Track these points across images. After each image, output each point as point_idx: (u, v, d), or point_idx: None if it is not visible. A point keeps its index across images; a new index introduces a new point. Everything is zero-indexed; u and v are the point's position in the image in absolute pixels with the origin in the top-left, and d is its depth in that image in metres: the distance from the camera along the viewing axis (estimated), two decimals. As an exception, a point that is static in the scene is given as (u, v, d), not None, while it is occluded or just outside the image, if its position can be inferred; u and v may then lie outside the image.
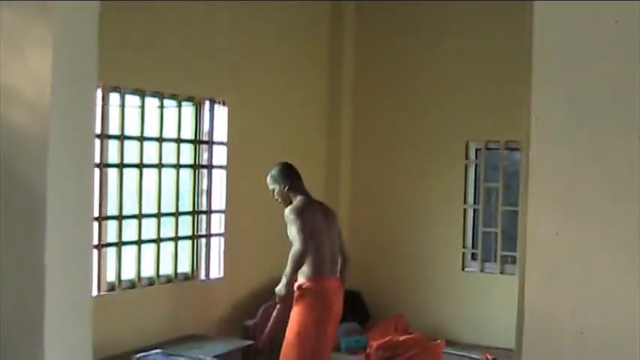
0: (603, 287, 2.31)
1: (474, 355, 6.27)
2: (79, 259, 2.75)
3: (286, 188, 5.61)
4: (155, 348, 5.42)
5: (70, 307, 2.64)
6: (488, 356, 6.03)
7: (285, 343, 5.49)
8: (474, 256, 7.30)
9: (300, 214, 5.49)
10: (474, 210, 7.32)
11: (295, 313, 5.49)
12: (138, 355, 5.27)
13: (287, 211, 5.49)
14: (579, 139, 2.37)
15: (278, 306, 5.55)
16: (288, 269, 5.43)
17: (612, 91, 2.36)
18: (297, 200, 5.61)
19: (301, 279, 5.46)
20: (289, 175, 5.65)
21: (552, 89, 2.43)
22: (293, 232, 5.43)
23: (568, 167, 2.38)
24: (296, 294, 5.48)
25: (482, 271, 7.18)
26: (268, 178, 5.64)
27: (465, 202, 7.31)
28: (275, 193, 5.63)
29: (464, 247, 7.32)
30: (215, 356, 5.56)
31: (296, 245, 5.40)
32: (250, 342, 5.99)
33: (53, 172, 2.61)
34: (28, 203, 2.66)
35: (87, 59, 2.79)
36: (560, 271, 2.35)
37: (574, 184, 2.36)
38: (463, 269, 7.31)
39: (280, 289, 5.44)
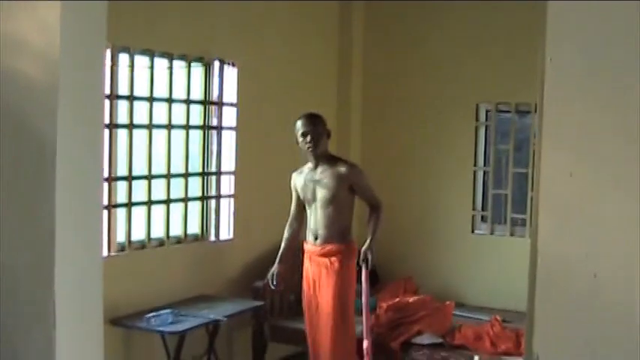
0: (617, 230, 2.28)
1: (483, 317, 6.28)
2: (89, 217, 2.75)
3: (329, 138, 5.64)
4: (166, 308, 5.43)
5: (80, 266, 2.64)
6: (498, 318, 6.04)
7: (334, 318, 5.45)
8: (483, 219, 7.29)
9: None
10: (484, 172, 7.30)
11: (342, 279, 5.48)
12: (149, 315, 5.29)
13: (351, 167, 5.53)
14: (593, 80, 2.33)
15: (364, 269, 5.52)
16: (378, 229, 5.55)
17: (626, 35, 2.31)
18: (340, 157, 5.67)
19: (345, 241, 5.53)
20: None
21: (567, 31, 2.38)
22: (362, 190, 5.55)
23: (582, 109, 2.34)
24: (337, 258, 5.49)
25: (492, 233, 7.18)
26: (310, 121, 5.52)
27: (475, 165, 7.29)
28: (312, 139, 5.48)
29: (474, 209, 7.30)
30: (225, 316, 5.58)
31: (374, 197, 5.60)
32: (260, 303, 6.01)
33: (63, 124, 2.60)
34: (38, 155, 2.65)
35: (96, 12, 2.77)
36: (573, 214, 2.33)
37: (588, 126, 2.33)
38: (473, 231, 7.31)
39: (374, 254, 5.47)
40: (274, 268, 5.68)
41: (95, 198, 2.83)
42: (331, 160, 5.60)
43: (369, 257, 5.46)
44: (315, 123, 5.54)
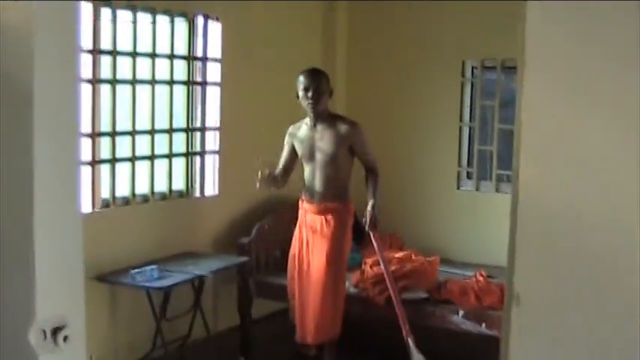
0: (601, 169, 2.26)
1: (468, 273, 6.29)
2: (67, 173, 2.70)
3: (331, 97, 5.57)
4: (151, 264, 5.42)
5: (60, 222, 2.59)
6: (483, 273, 6.05)
7: (326, 277, 5.44)
8: (469, 175, 7.30)
9: None
10: (470, 129, 7.29)
11: (338, 237, 5.50)
12: (133, 271, 5.28)
13: (352, 126, 5.45)
14: (578, 17, 2.30)
15: (373, 234, 5.52)
16: (378, 193, 5.54)
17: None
18: (341, 116, 5.64)
19: (343, 200, 5.55)
20: None
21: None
22: (362, 151, 5.50)
23: (566, 49, 2.31)
24: (334, 217, 5.49)
25: (477, 189, 7.18)
26: (313, 77, 5.42)
27: (460, 121, 7.27)
28: (313, 95, 5.38)
29: (459, 165, 7.30)
30: (210, 272, 5.58)
31: (372, 161, 5.58)
32: (245, 258, 6.01)
33: (40, 75, 2.54)
34: (15, 108, 2.60)
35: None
36: (556, 153, 2.30)
37: (572, 63, 2.29)
38: (458, 188, 7.31)
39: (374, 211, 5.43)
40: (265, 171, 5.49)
41: (73, 150, 2.77)
42: (331, 118, 5.53)
43: (376, 221, 5.47)
44: (318, 79, 5.45)
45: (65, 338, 2.49)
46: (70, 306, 2.59)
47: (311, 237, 5.54)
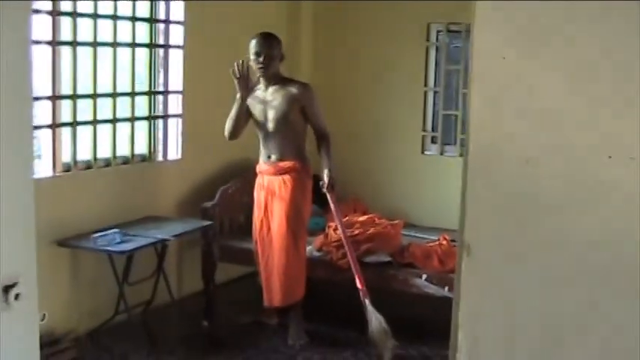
0: (549, 114, 2.27)
1: (432, 237, 6.31)
2: (19, 136, 2.66)
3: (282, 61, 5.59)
4: (113, 229, 5.38)
5: (12, 185, 2.56)
6: (446, 236, 6.07)
7: (288, 239, 5.54)
8: (433, 140, 7.30)
9: None
10: (435, 93, 7.28)
11: (297, 198, 5.56)
12: (95, 235, 5.24)
13: (303, 88, 5.53)
14: None
15: (330, 196, 5.59)
16: (331, 155, 5.61)
17: None
18: (292, 78, 5.68)
19: (300, 159, 5.61)
20: None
21: None
22: (313, 113, 5.56)
23: None
24: (292, 177, 5.57)
25: (441, 154, 7.20)
26: (264, 42, 5.46)
27: (425, 85, 7.26)
28: (264, 60, 5.43)
29: (424, 130, 7.31)
30: (174, 236, 5.55)
31: (323, 126, 5.64)
32: (209, 222, 5.98)
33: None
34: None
35: None
36: (506, 97, 2.31)
37: (522, 7, 2.29)
38: (423, 152, 7.32)
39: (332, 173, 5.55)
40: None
41: (25, 115, 2.72)
42: (283, 80, 5.59)
43: (334, 183, 5.56)
44: (269, 44, 5.48)
45: (17, 296, 2.47)
46: (22, 266, 2.57)
47: (270, 200, 5.60)
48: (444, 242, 5.98)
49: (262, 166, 5.68)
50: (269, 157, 5.62)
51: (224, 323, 6.15)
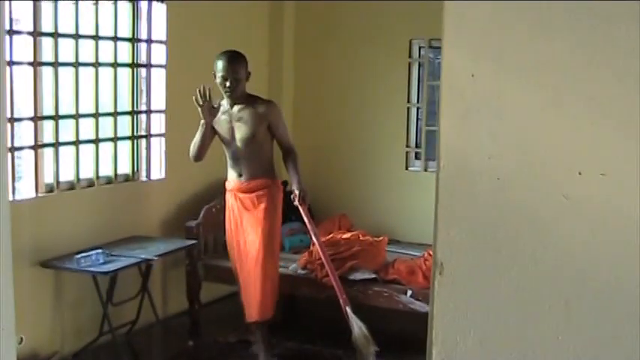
0: (520, 131, 2.27)
1: (417, 253, 6.31)
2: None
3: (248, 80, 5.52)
4: (96, 249, 5.37)
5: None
6: (431, 252, 6.07)
7: (264, 253, 5.52)
8: (417, 155, 7.31)
9: None
10: (418, 109, 7.30)
11: (270, 214, 5.56)
12: (78, 256, 5.22)
13: (268, 106, 5.50)
14: None
15: (302, 208, 5.60)
16: (299, 169, 5.60)
17: None
18: (257, 96, 5.58)
19: (270, 176, 5.62)
20: None
21: None
22: (280, 130, 5.55)
23: (484, 9, 2.31)
24: (264, 193, 5.55)
25: (425, 170, 7.19)
26: (230, 65, 5.37)
27: (408, 101, 7.28)
28: (231, 84, 5.37)
29: (407, 146, 7.32)
30: (157, 255, 5.54)
31: (289, 141, 5.65)
32: (193, 242, 5.97)
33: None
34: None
35: None
36: (476, 115, 2.30)
37: (491, 25, 2.30)
38: (407, 168, 7.33)
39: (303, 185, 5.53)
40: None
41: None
42: (248, 99, 5.53)
43: (305, 195, 5.55)
44: (235, 69, 5.41)
45: (-7, 319, 2.45)
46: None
47: (243, 217, 5.60)
48: (429, 258, 5.97)
49: (232, 184, 5.65)
50: (240, 175, 5.60)
51: (210, 343, 6.12)
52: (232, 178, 5.64)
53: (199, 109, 5.41)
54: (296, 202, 5.55)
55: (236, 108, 5.50)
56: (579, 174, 2.19)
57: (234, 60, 5.44)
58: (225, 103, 5.53)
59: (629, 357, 2.18)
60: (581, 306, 2.22)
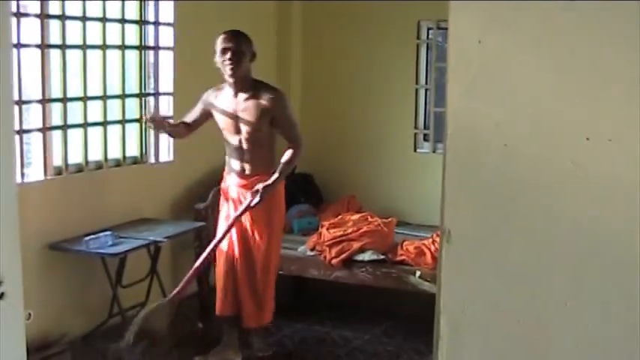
0: (528, 98, 2.26)
1: (425, 235, 6.31)
2: (1, 142, 2.65)
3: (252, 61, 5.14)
4: (105, 231, 5.38)
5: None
6: (439, 233, 6.07)
7: (264, 253, 5.27)
8: (426, 137, 7.30)
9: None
10: (426, 91, 7.28)
11: (273, 211, 5.26)
12: (87, 237, 5.23)
13: (274, 97, 5.07)
14: None
15: (245, 206, 5.11)
16: (288, 167, 5.17)
17: None
18: (263, 82, 5.18)
19: (268, 174, 5.17)
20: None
21: None
22: (282, 123, 5.13)
23: None
24: (264, 193, 5.08)
25: (434, 151, 7.18)
26: (233, 37, 5.05)
27: (416, 83, 7.26)
28: (232, 57, 4.99)
29: (416, 128, 7.30)
30: (166, 237, 5.54)
31: (294, 134, 5.18)
32: (202, 224, 5.97)
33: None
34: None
35: None
36: (483, 82, 2.29)
37: None
38: (415, 150, 7.32)
39: (270, 188, 5.06)
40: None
41: (7, 120, 2.72)
42: (253, 86, 5.15)
43: (260, 193, 5.05)
44: (238, 40, 5.05)
45: (2, 295, 2.47)
46: (7, 266, 2.58)
47: (246, 214, 5.21)
48: (437, 239, 5.97)
49: (233, 178, 5.33)
50: (242, 170, 5.27)
51: (219, 324, 6.14)
52: (234, 172, 5.32)
53: (153, 129, 5.37)
54: (252, 204, 5.09)
55: (241, 97, 5.15)
56: (587, 140, 2.18)
57: (237, 33, 5.12)
58: (228, 90, 5.21)
59: (637, 322, 2.17)
60: (590, 272, 2.22)
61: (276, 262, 5.44)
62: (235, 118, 5.18)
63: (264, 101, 5.08)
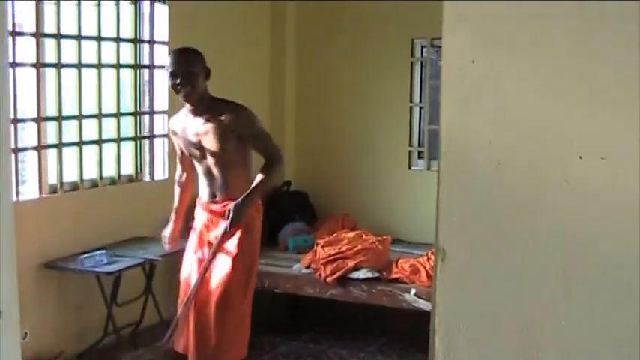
0: (521, 116, 2.28)
1: (420, 252, 6.32)
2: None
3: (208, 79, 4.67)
4: (100, 250, 5.38)
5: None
6: (434, 251, 6.08)
7: (230, 281, 4.64)
8: (420, 155, 7.31)
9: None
10: (420, 108, 7.30)
11: (246, 238, 4.69)
12: (82, 256, 5.24)
13: (235, 113, 4.59)
14: None
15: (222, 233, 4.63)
16: (264, 185, 4.67)
17: None
18: (224, 100, 4.69)
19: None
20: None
21: None
22: (253, 139, 4.65)
23: None
24: (236, 213, 4.57)
25: (428, 169, 7.18)
26: (181, 58, 4.59)
27: (411, 101, 7.28)
28: (182, 81, 4.50)
29: (410, 145, 7.31)
30: (161, 256, 5.54)
31: (268, 148, 4.69)
32: (197, 242, 5.95)
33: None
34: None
35: None
36: (476, 100, 2.31)
37: (491, 10, 2.30)
38: (410, 168, 7.33)
39: (243, 211, 4.57)
40: (167, 230, 5.09)
41: (3, 138, 2.72)
42: (212, 105, 4.67)
43: (231, 216, 4.56)
44: (187, 60, 4.60)
45: (-2, 314, 2.47)
46: (4, 284, 2.58)
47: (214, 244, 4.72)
48: (432, 256, 5.98)
49: (206, 205, 4.84)
50: (214, 195, 4.78)
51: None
52: (205, 199, 4.84)
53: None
54: (228, 227, 4.60)
55: (200, 120, 4.66)
56: (580, 158, 2.20)
57: (184, 52, 4.70)
58: (187, 114, 4.74)
59: (628, 331, 2.19)
60: (584, 288, 2.23)
61: (240, 300, 4.72)
62: (198, 140, 4.70)
63: (225, 120, 4.59)
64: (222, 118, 4.59)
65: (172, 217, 5.13)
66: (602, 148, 2.17)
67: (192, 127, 4.69)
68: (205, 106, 4.64)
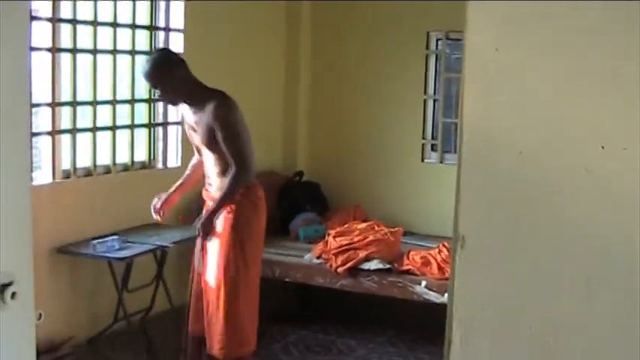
0: (543, 106, 2.27)
1: (432, 245, 6.32)
2: (18, 143, 2.67)
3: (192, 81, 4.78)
4: (112, 235, 5.39)
5: (10, 190, 2.57)
6: (446, 244, 6.07)
7: (226, 288, 4.80)
8: (433, 147, 7.30)
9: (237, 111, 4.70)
10: (434, 101, 7.29)
11: (235, 235, 4.80)
12: (94, 241, 5.25)
13: (214, 107, 4.62)
14: None
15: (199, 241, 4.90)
16: (227, 196, 4.73)
17: None
18: (212, 90, 4.75)
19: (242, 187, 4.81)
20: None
21: None
22: (222, 137, 4.63)
23: None
24: (232, 209, 4.79)
25: (441, 162, 7.18)
26: (152, 75, 4.70)
27: (425, 93, 7.27)
28: (162, 95, 4.76)
29: (424, 138, 7.31)
30: (173, 243, 5.55)
31: (234, 153, 4.68)
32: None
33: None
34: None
35: None
36: (499, 89, 2.30)
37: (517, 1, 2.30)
38: (423, 160, 7.32)
39: (208, 225, 4.79)
40: (160, 197, 5.14)
41: (24, 121, 2.73)
42: (201, 97, 4.74)
43: (198, 227, 4.85)
44: (157, 77, 4.71)
45: (13, 295, 2.47)
46: (19, 265, 2.58)
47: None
48: (444, 249, 5.98)
49: (206, 193, 5.05)
50: (210, 184, 4.96)
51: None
52: (205, 186, 5.06)
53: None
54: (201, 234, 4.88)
55: (192, 109, 4.80)
56: (602, 148, 2.19)
57: (149, 70, 4.75)
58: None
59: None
60: (602, 279, 2.22)
61: (236, 291, 4.83)
62: (194, 132, 4.87)
63: (206, 114, 4.66)
64: (206, 110, 4.69)
65: (172, 188, 5.22)
66: (625, 138, 2.16)
67: (189, 117, 4.88)
68: (196, 100, 4.77)
